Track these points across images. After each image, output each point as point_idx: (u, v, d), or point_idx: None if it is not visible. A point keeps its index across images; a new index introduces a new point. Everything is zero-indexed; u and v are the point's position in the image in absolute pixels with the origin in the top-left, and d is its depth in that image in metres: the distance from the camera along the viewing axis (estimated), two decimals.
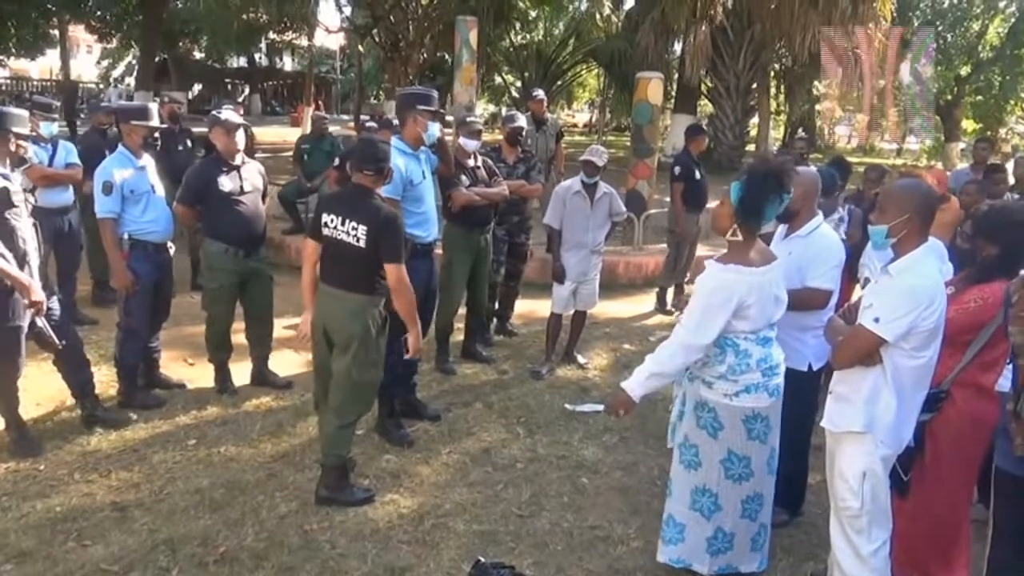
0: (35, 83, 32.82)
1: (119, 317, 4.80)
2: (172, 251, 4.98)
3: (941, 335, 2.78)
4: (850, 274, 5.02)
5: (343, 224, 3.59)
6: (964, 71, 24.83)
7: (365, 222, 3.54)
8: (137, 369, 4.87)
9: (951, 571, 3.19)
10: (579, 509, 3.90)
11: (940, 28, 24.73)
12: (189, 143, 7.50)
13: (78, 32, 34.20)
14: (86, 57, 42.56)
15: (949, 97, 24.60)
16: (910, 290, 2.70)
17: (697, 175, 7.28)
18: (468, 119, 5.72)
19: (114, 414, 4.57)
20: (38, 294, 3.88)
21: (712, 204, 6.28)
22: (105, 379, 5.09)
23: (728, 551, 3.25)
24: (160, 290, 4.89)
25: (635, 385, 3.18)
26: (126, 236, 4.68)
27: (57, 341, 4.08)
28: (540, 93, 8.44)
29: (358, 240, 3.54)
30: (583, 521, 3.79)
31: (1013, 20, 23.97)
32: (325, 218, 3.68)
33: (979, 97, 26.19)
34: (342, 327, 3.67)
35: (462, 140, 5.52)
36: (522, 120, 6.27)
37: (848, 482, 2.86)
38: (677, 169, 7.30)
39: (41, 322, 3.98)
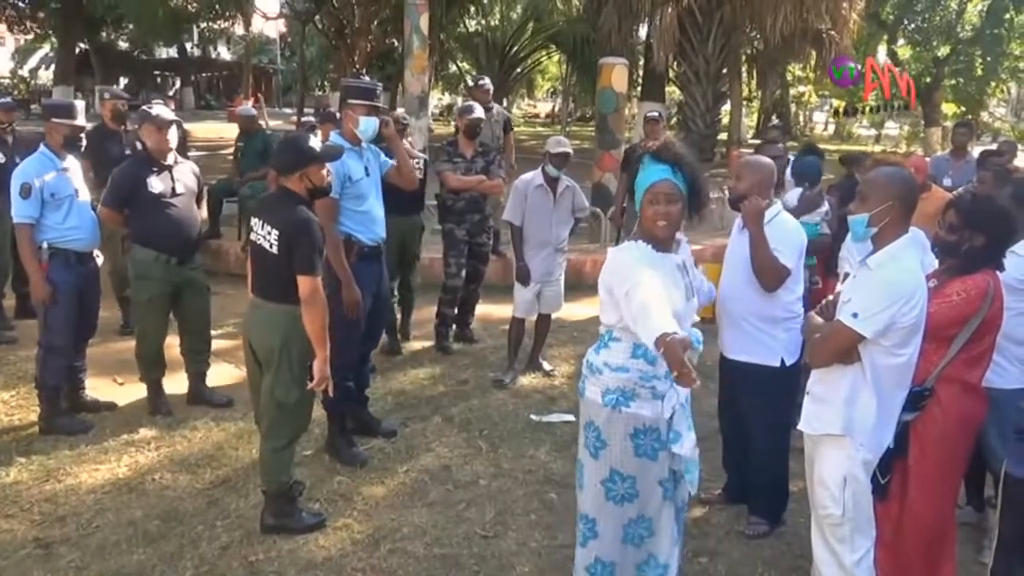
0: None
1: (40, 333, 4.70)
2: (100, 261, 4.90)
3: (922, 331, 2.84)
4: (827, 268, 5.10)
5: (262, 228, 3.59)
6: (943, 52, 25.36)
7: (278, 226, 3.52)
8: (60, 391, 4.77)
9: None
10: (548, 527, 3.91)
11: (918, 7, 25.28)
12: (139, 146, 6.97)
13: None
14: None
15: (928, 80, 25.08)
16: (889, 283, 2.75)
17: None
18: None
19: None
20: None
21: None
22: (25, 403, 4.98)
23: None
24: (84, 303, 4.80)
25: None
26: (45, 245, 4.59)
27: None
28: (486, 81, 8.38)
29: (271, 246, 3.53)
30: (552, 540, 3.79)
31: None
32: (252, 222, 3.70)
33: (959, 80, 26.76)
34: (261, 339, 3.65)
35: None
36: (480, 111, 6.26)
37: (828, 488, 2.90)
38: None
39: None
